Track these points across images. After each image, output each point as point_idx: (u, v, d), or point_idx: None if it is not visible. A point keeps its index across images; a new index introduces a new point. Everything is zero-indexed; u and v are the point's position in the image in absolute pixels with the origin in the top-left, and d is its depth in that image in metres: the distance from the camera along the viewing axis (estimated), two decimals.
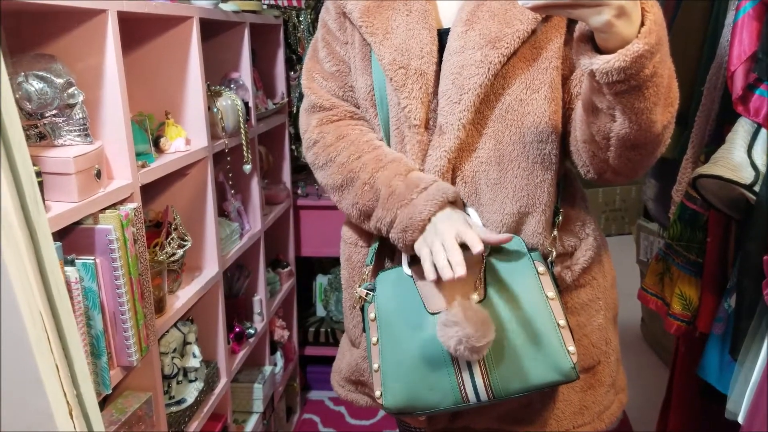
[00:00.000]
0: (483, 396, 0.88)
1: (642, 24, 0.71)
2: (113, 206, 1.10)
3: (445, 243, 0.87)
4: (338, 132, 1.02)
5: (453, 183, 0.95)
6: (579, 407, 1.01)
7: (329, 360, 2.51)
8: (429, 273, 0.87)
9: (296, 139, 2.32)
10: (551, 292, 0.90)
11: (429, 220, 0.90)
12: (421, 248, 0.91)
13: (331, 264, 2.56)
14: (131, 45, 1.37)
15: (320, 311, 2.57)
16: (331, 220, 2.30)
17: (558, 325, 0.88)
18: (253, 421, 1.86)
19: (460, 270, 0.84)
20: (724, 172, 1.22)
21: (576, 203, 1.04)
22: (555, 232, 0.97)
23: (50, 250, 0.53)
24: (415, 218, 0.90)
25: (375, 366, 0.93)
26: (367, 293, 0.96)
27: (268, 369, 1.97)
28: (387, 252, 1.04)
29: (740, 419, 1.16)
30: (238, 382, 1.88)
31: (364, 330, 0.98)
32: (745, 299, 1.19)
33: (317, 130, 1.05)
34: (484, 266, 0.91)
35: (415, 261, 0.93)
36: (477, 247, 0.84)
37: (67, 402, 0.55)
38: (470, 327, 0.81)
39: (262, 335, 1.94)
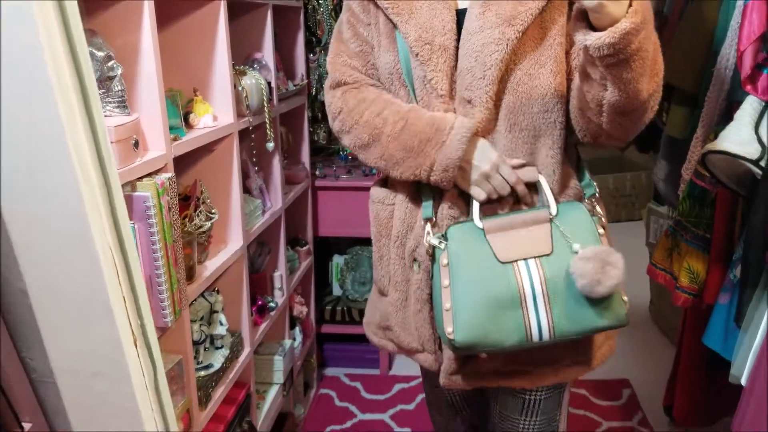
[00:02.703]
0: (546, 336, 0.98)
1: (630, 5, 0.82)
2: (148, 176, 1.16)
3: (491, 179, 1.03)
4: (359, 96, 1.13)
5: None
6: (576, 344, 1.10)
7: (345, 338, 2.60)
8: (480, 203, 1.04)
9: (314, 121, 2.38)
10: None
11: (464, 158, 1.03)
12: (477, 194, 1.05)
13: (347, 244, 2.63)
14: (162, 24, 1.43)
15: (336, 290, 2.64)
16: (348, 200, 2.36)
17: None
18: (273, 391, 1.94)
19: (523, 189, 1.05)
20: (732, 147, 1.26)
21: (573, 165, 1.14)
22: (556, 187, 1.07)
23: (119, 193, 0.59)
24: (453, 157, 1.02)
25: (447, 306, 1.00)
26: (440, 242, 1.04)
27: (287, 342, 2.04)
28: (434, 203, 1.12)
29: (743, 381, 1.21)
30: (260, 354, 1.95)
31: (431, 276, 1.07)
32: (750, 268, 1.24)
33: (341, 100, 1.15)
34: (555, 225, 1.01)
35: (485, 215, 1.05)
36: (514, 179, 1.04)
37: (132, 332, 0.61)
38: (618, 270, 0.93)
39: (282, 310, 2.01)
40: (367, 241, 1.31)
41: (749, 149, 1.24)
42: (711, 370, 1.77)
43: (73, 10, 0.55)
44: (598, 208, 1.08)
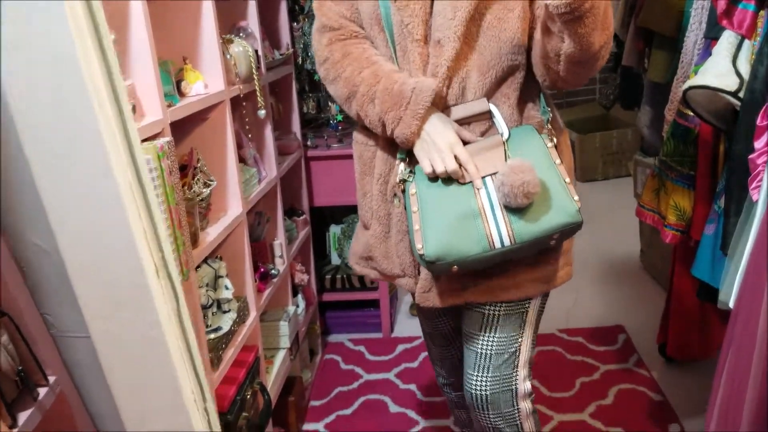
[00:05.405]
0: (506, 241, 1.08)
1: None
2: (147, 140, 1.19)
3: (443, 156, 1.11)
4: (344, 50, 1.20)
5: (449, 87, 1.14)
6: (537, 263, 1.20)
7: (347, 305, 2.66)
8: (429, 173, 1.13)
9: (302, 91, 2.40)
10: (557, 160, 1.13)
11: (418, 132, 1.13)
12: (422, 159, 1.14)
13: (342, 213, 2.67)
14: None
15: (335, 260, 2.69)
16: (341, 169, 2.39)
17: (565, 182, 1.11)
18: (281, 356, 1.99)
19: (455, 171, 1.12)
20: (711, 81, 1.31)
21: (535, 97, 1.22)
22: (516, 116, 1.18)
23: (134, 129, 0.63)
24: (407, 132, 1.13)
25: (416, 227, 1.12)
26: (408, 175, 1.16)
27: (291, 309, 2.09)
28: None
29: (731, 304, 1.27)
30: (265, 321, 2.00)
31: (405, 208, 1.18)
32: (734, 197, 1.29)
33: (327, 49, 1.22)
34: (506, 147, 1.12)
35: None
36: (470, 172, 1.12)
37: (154, 263, 0.65)
38: (532, 175, 1.03)
39: (284, 277, 2.05)
40: None
41: (728, 81, 1.28)
42: (701, 306, 1.83)
43: None
44: (552, 130, 1.18)
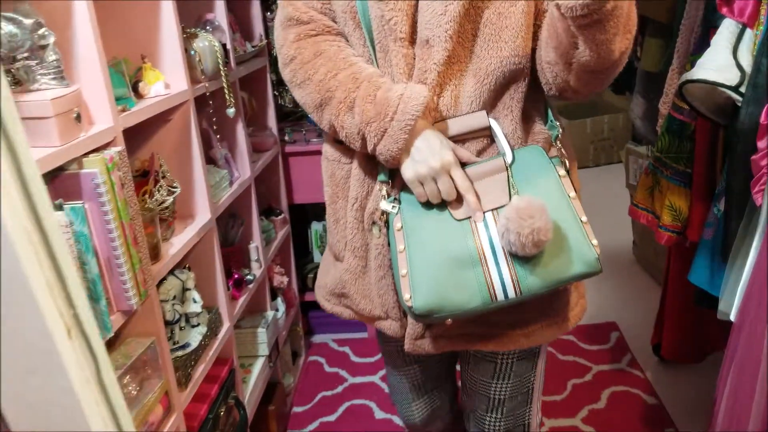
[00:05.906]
0: (510, 293, 0.90)
1: None
2: (95, 151, 1.08)
3: (439, 180, 0.93)
4: (316, 48, 1.01)
5: (440, 96, 0.96)
6: (548, 304, 1.04)
7: None
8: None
9: (278, 84, 2.28)
10: (572, 193, 0.94)
11: (407, 149, 0.94)
12: (414, 185, 0.96)
13: (324, 210, 2.56)
14: None
15: (317, 258, 2.59)
16: (321, 164, 2.28)
17: (581, 221, 0.92)
18: (259, 364, 1.90)
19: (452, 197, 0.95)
20: (710, 75, 1.21)
21: (542, 109, 1.04)
22: (520, 132, 1.00)
23: (30, 164, 0.52)
24: (393, 148, 0.94)
25: (403, 272, 0.94)
26: (392, 206, 0.98)
27: (270, 314, 1.99)
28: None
29: (732, 317, 1.19)
30: (242, 328, 1.90)
31: (388, 241, 1.00)
32: (734, 201, 1.20)
33: (294, 46, 1.02)
34: (510, 173, 0.94)
35: None
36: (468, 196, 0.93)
37: (64, 322, 0.55)
38: (543, 221, 0.85)
39: (262, 281, 1.95)
40: None
41: (728, 75, 1.19)
42: (697, 307, 1.75)
43: None
44: (562, 150, 1.00)
